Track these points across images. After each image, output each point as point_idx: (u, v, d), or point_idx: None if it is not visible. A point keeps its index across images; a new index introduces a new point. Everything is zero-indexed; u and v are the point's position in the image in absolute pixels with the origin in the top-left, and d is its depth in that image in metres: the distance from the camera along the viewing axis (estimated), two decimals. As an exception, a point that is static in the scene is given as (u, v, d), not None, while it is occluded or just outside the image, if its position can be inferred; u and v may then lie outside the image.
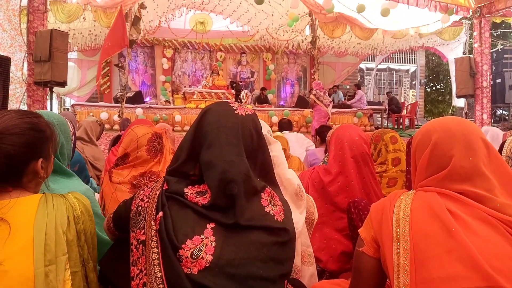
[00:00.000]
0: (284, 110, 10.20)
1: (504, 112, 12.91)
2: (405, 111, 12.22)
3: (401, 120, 11.51)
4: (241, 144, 1.08)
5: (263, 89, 12.16)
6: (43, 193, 1.09)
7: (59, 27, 6.87)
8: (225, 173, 1.02)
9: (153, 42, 12.17)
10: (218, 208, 1.03)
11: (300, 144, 4.75)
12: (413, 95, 15.98)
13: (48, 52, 5.41)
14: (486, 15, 8.73)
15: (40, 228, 0.98)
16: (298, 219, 1.52)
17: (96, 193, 2.19)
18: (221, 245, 0.99)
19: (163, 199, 1.07)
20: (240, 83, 12.09)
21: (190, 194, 1.06)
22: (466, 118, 7.94)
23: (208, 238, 1.00)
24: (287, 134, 4.80)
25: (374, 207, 1.16)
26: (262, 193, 1.09)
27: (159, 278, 0.98)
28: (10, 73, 3.72)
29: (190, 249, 0.98)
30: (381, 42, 11.38)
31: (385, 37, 10.93)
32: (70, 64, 7.55)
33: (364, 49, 11.90)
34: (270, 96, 12.38)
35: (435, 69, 17.41)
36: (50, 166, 1.16)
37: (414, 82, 16.27)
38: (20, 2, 6.00)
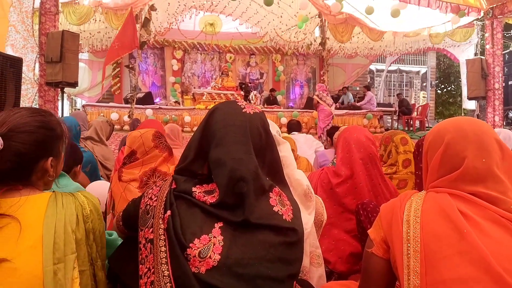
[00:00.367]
0: (293, 111, 10.19)
1: (516, 114, 12.72)
2: (415, 113, 12.12)
3: (411, 122, 11.41)
4: (250, 142, 1.08)
5: (272, 90, 12.16)
6: (53, 191, 1.09)
7: (69, 29, 6.94)
8: (234, 171, 1.02)
9: (163, 44, 12.24)
10: (226, 207, 1.02)
11: (309, 145, 4.73)
12: (423, 97, 15.85)
13: (59, 53, 5.47)
14: (498, 16, 8.62)
15: (49, 226, 0.98)
16: (307, 220, 1.51)
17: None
18: (229, 244, 0.99)
19: (171, 198, 1.07)
20: (249, 84, 12.12)
21: (198, 193, 1.06)
22: (477, 120, 7.83)
23: (216, 237, 0.99)
24: (296, 135, 4.80)
25: (384, 208, 1.14)
26: (270, 193, 1.08)
27: (167, 277, 0.98)
28: (22, 74, 3.77)
29: (198, 248, 0.98)
30: (391, 43, 11.30)
31: (396, 38, 10.85)
32: (81, 65, 7.63)
33: (374, 50, 11.82)
34: (279, 98, 12.37)
35: (446, 70, 17.26)
36: (59, 165, 1.16)
37: (424, 84, 16.14)
38: (33, 4, 6.07)
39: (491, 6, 8.56)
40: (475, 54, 10.76)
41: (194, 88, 11.65)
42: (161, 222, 1.04)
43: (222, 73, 11.04)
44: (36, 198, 1.03)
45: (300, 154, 3.61)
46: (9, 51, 5.67)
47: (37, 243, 0.96)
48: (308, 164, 3.35)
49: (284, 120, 9.38)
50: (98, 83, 11.29)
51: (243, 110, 1.13)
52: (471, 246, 0.92)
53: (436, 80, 16.38)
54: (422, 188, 1.17)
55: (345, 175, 2.14)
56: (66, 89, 6.09)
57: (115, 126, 7.28)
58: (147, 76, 12.41)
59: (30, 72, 5.95)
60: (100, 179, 3.05)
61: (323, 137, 7.58)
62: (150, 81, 12.43)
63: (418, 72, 16.28)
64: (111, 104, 10.10)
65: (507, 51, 10.93)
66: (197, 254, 0.97)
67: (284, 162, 1.50)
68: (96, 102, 10.67)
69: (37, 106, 6.06)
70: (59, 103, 6.09)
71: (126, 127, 8.53)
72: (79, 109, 10.88)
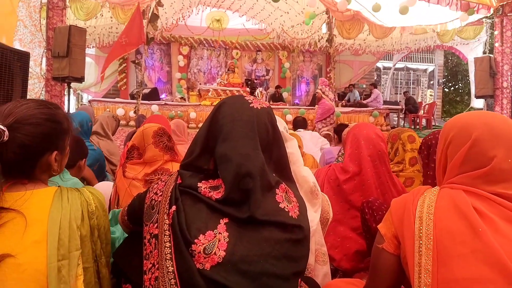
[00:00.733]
0: (299, 108, 10.16)
1: (525, 113, 12.60)
2: (422, 111, 12.04)
3: (418, 120, 11.34)
4: (257, 137, 1.06)
5: (278, 87, 12.14)
6: (58, 186, 1.08)
7: (76, 24, 6.95)
8: (241, 167, 1.01)
9: (170, 39, 12.24)
10: (232, 202, 1.01)
11: (315, 142, 4.72)
12: (430, 95, 15.74)
13: (66, 48, 5.47)
14: (508, 14, 8.51)
15: (54, 222, 0.97)
16: (313, 218, 1.50)
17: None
18: (234, 241, 0.98)
19: (176, 193, 1.06)
20: (255, 81, 12.10)
21: (204, 188, 1.05)
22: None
23: (221, 233, 0.98)
24: (301, 132, 4.78)
25: (395, 203, 1.11)
26: (276, 189, 1.07)
27: (171, 273, 0.97)
28: (29, 68, 3.77)
29: (203, 244, 0.97)
30: (399, 40, 11.22)
31: (403, 35, 10.76)
32: (87, 60, 7.64)
33: (382, 47, 11.74)
34: (285, 94, 12.34)
35: (454, 69, 17.13)
36: (64, 160, 1.15)
37: (432, 82, 16.02)
38: (41, -2, 6.10)
39: (501, 3, 8.45)
40: (484, 52, 10.67)
41: (200, 84, 11.66)
42: (166, 217, 1.03)
43: (228, 70, 11.04)
44: (41, 193, 1.02)
45: (305, 151, 3.59)
46: (17, 45, 5.70)
47: (42, 239, 0.95)
48: (314, 161, 3.33)
49: (289, 117, 9.35)
50: (104, 78, 11.32)
51: (251, 105, 1.12)
52: (485, 245, 0.90)
53: (443, 78, 16.25)
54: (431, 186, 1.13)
55: (353, 172, 2.12)
56: (72, 84, 6.10)
57: (121, 122, 7.29)
58: (153, 72, 12.44)
59: (37, 66, 5.97)
60: (106, 177, 3.04)
61: (319, 125, 7.80)
62: (156, 77, 12.45)
63: (425, 70, 16.16)
64: (117, 99, 10.15)
65: (517, 49, 10.80)
66: (202, 250, 0.96)
67: (291, 159, 1.49)
68: (102, 97, 10.71)
69: (44, 100, 6.07)
70: (66, 98, 6.10)
71: (132, 123, 8.56)
72: (85, 104, 10.93)
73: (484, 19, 10.07)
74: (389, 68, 15.30)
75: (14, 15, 5.88)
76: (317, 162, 3.44)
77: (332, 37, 9.76)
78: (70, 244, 0.98)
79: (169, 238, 1.01)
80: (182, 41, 12.36)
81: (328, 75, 10.05)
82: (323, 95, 8.03)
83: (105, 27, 9.64)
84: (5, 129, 0.96)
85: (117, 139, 5.76)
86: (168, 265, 0.98)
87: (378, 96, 11.22)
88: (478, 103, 10.84)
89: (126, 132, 6.41)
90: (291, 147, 1.53)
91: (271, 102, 11.13)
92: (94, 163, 2.72)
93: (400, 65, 15.43)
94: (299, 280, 1.10)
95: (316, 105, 8.90)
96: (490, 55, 8.95)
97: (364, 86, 13.91)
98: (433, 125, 11.44)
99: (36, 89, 5.93)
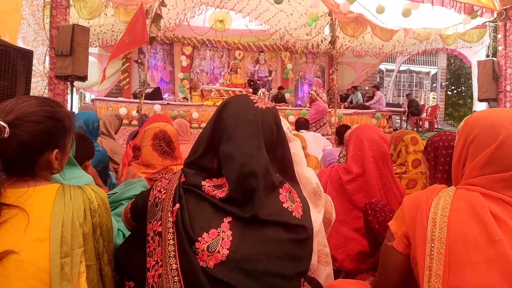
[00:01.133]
0: (301, 109, 10.15)
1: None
2: (425, 113, 12.02)
3: (420, 123, 11.33)
4: (261, 137, 1.06)
5: (280, 88, 12.13)
6: (61, 183, 1.08)
7: (78, 22, 6.98)
8: (245, 167, 1.00)
9: (173, 39, 12.26)
10: (235, 202, 1.01)
11: (317, 143, 4.71)
12: (433, 98, 15.73)
13: (69, 46, 5.48)
14: (512, 17, 8.50)
15: (57, 219, 0.97)
16: (316, 218, 1.50)
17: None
18: (238, 240, 0.98)
19: (180, 191, 1.06)
20: (258, 82, 12.09)
21: (208, 187, 1.04)
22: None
23: (224, 232, 0.98)
24: (304, 133, 4.78)
25: (408, 201, 1.06)
26: (280, 189, 1.07)
27: (175, 270, 0.97)
28: (33, 67, 3.78)
29: (207, 242, 0.97)
30: (402, 42, 11.20)
31: (406, 38, 10.75)
32: (90, 59, 7.66)
33: (384, 49, 11.72)
34: (287, 96, 12.33)
35: (457, 72, 17.11)
36: (65, 159, 1.14)
37: (434, 85, 16.01)
38: (45, -3, 6.12)
39: (505, 7, 8.44)
40: (487, 56, 10.64)
41: (203, 84, 11.66)
42: (169, 215, 1.03)
43: (230, 70, 11.05)
44: (43, 190, 1.02)
45: (309, 152, 3.58)
46: (20, 43, 5.71)
47: (44, 236, 0.94)
48: (318, 162, 3.33)
49: (292, 118, 9.34)
50: (107, 78, 11.34)
51: (255, 105, 1.12)
52: (501, 255, 0.85)
53: (446, 81, 16.24)
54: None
55: (356, 173, 2.12)
56: (75, 83, 6.11)
57: (124, 121, 7.31)
58: (156, 72, 12.45)
59: (41, 65, 5.98)
60: (110, 177, 3.03)
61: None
62: (159, 77, 12.46)
63: (428, 73, 16.15)
64: (120, 98, 10.16)
65: (520, 53, 10.77)
66: (205, 248, 0.96)
67: (294, 159, 1.48)
68: (105, 96, 10.72)
69: (46, 99, 6.09)
70: (69, 96, 6.11)
71: (135, 122, 8.56)
72: (87, 103, 10.94)
73: (487, 23, 10.05)
74: (392, 71, 15.29)
75: (18, 13, 5.90)
76: (320, 163, 3.43)
77: (335, 38, 9.75)
78: (72, 242, 0.98)
79: (172, 236, 1.01)
80: (185, 41, 12.38)
81: (331, 77, 10.05)
82: (317, 97, 8.00)
83: (108, 26, 9.65)
84: (5, 125, 0.95)
85: (119, 138, 5.77)
86: (171, 263, 0.98)
87: (381, 98, 11.20)
88: (480, 106, 10.81)
89: (128, 131, 6.42)
90: (295, 148, 1.53)
91: (273, 103, 11.11)
92: (98, 164, 2.71)
93: (403, 67, 15.42)
94: (302, 280, 1.09)
95: (308, 105, 8.90)
96: (493, 58, 8.93)
97: (367, 88, 13.89)
98: (436, 128, 11.42)
99: (39, 87, 5.94)
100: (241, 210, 1.00)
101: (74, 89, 6.31)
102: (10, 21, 5.76)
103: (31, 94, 4.14)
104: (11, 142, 0.97)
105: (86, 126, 2.94)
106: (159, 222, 1.05)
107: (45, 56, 6.00)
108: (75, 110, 9.02)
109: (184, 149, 2.71)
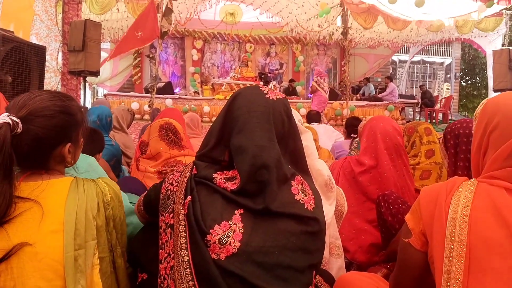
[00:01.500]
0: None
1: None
2: (438, 105, 11.84)
3: (434, 115, 11.16)
4: (273, 129, 1.05)
5: (291, 81, 12.06)
6: (74, 176, 1.09)
7: (89, 17, 7.02)
8: (256, 158, 1.00)
9: (184, 34, 12.26)
10: (247, 194, 1.01)
11: (329, 136, 4.69)
12: (447, 89, 15.48)
13: (82, 42, 5.52)
14: (529, 5, 8.29)
15: (70, 212, 0.98)
16: (328, 211, 1.49)
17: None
18: (250, 232, 0.97)
19: (192, 184, 1.06)
20: (269, 75, 12.05)
21: (219, 179, 1.04)
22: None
23: (236, 224, 0.98)
24: (315, 126, 4.75)
25: (426, 194, 0.98)
26: (292, 181, 1.06)
27: (186, 262, 0.98)
28: (46, 62, 3.83)
29: (218, 234, 0.97)
30: (415, 33, 11.01)
31: (419, 29, 10.57)
32: (103, 54, 7.72)
33: (397, 39, 11.53)
34: (298, 88, 12.26)
35: (471, 62, 16.79)
36: (78, 152, 1.15)
37: (448, 75, 15.75)
38: (57, -7, 6.17)
39: (522, -6, 8.23)
40: (503, 45, 10.41)
41: (214, 78, 11.66)
42: (181, 208, 1.03)
43: (241, 63, 11.02)
44: (57, 183, 1.03)
45: (320, 145, 3.57)
46: (34, 40, 5.78)
47: (59, 228, 0.96)
48: (329, 155, 3.31)
49: (303, 111, 9.30)
50: (119, 72, 11.43)
51: (266, 96, 1.11)
52: None
53: (460, 72, 15.95)
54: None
55: (369, 165, 2.10)
56: (88, 78, 6.17)
57: (136, 115, 7.35)
58: (167, 66, 12.49)
59: (53, 60, 6.05)
60: (122, 171, 3.06)
61: None
62: (170, 71, 12.50)
63: (442, 63, 15.88)
64: (131, 93, 10.24)
65: (537, 41, 10.54)
66: (217, 240, 0.96)
67: (306, 152, 1.47)
68: (117, 91, 10.81)
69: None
70: (81, 91, 6.18)
71: (147, 116, 8.62)
72: (100, 98, 11.05)
73: (503, 11, 9.81)
74: (405, 61, 15.07)
75: (31, 9, 5.96)
76: (332, 156, 3.42)
77: (347, 30, 9.64)
78: (86, 234, 0.99)
79: (184, 228, 1.01)
80: (196, 35, 12.37)
81: (343, 69, 9.96)
82: (318, 87, 7.92)
83: (120, 21, 9.69)
84: (18, 121, 0.96)
85: (131, 132, 5.81)
86: (183, 255, 0.99)
87: (394, 89, 11.05)
88: (496, 97, 10.60)
89: (140, 126, 6.47)
90: (306, 140, 1.52)
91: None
92: (111, 158, 2.74)
93: (416, 58, 15.18)
94: (314, 272, 1.09)
95: (309, 95, 8.83)
96: (510, 47, 8.74)
97: (379, 79, 13.72)
98: (450, 119, 11.24)
99: (52, 82, 6.02)
100: (252, 202, 1.00)
101: (87, 84, 6.38)
102: (23, 18, 5.83)
103: (44, 89, 4.19)
104: (25, 137, 0.98)
105: (100, 121, 2.98)
106: (171, 215, 1.05)
107: (58, 52, 6.07)
108: (88, 105, 9.12)
109: (196, 143, 2.71)
